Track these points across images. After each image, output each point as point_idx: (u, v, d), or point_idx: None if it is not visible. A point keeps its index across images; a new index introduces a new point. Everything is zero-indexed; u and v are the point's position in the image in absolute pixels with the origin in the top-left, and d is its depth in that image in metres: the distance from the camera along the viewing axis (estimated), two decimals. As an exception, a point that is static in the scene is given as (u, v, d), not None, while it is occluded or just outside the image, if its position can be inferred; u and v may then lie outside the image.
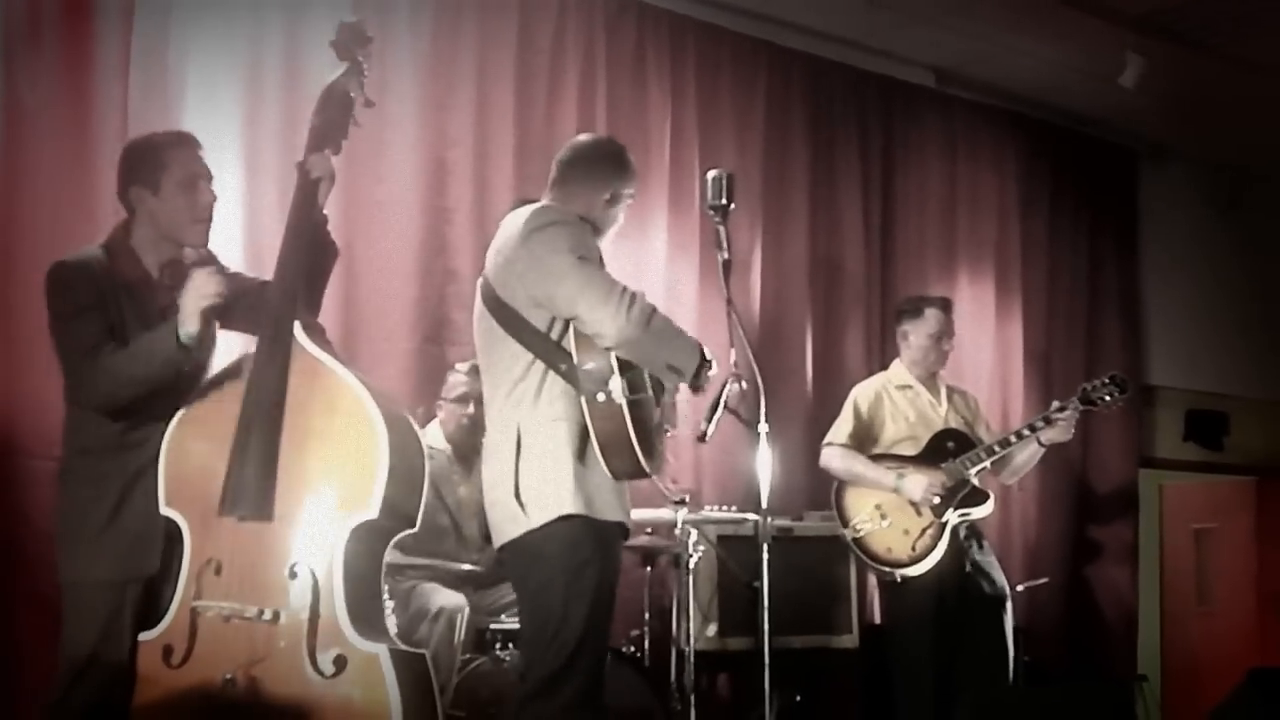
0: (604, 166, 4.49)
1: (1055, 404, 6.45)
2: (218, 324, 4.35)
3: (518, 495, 4.19)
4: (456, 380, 6.15)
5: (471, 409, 6.06)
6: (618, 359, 4.10)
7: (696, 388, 4.19)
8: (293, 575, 3.94)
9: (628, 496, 4.27)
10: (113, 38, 5.85)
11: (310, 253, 4.27)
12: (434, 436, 6.14)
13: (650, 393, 4.23)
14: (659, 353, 4.12)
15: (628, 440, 4.07)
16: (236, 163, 6.10)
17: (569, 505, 4.12)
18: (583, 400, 4.11)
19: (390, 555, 5.39)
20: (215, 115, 6.08)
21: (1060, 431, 6.36)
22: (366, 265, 6.51)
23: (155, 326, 4.08)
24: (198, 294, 4.00)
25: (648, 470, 4.14)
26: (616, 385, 4.08)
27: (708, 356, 4.18)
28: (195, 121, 5.92)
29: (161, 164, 4.22)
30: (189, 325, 3.99)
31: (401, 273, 6.60)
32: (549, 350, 4.20)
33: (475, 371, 6.00)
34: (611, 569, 4.19)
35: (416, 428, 4.22)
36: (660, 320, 4.12)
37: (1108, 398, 6.40)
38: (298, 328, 4.10)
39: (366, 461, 3.95)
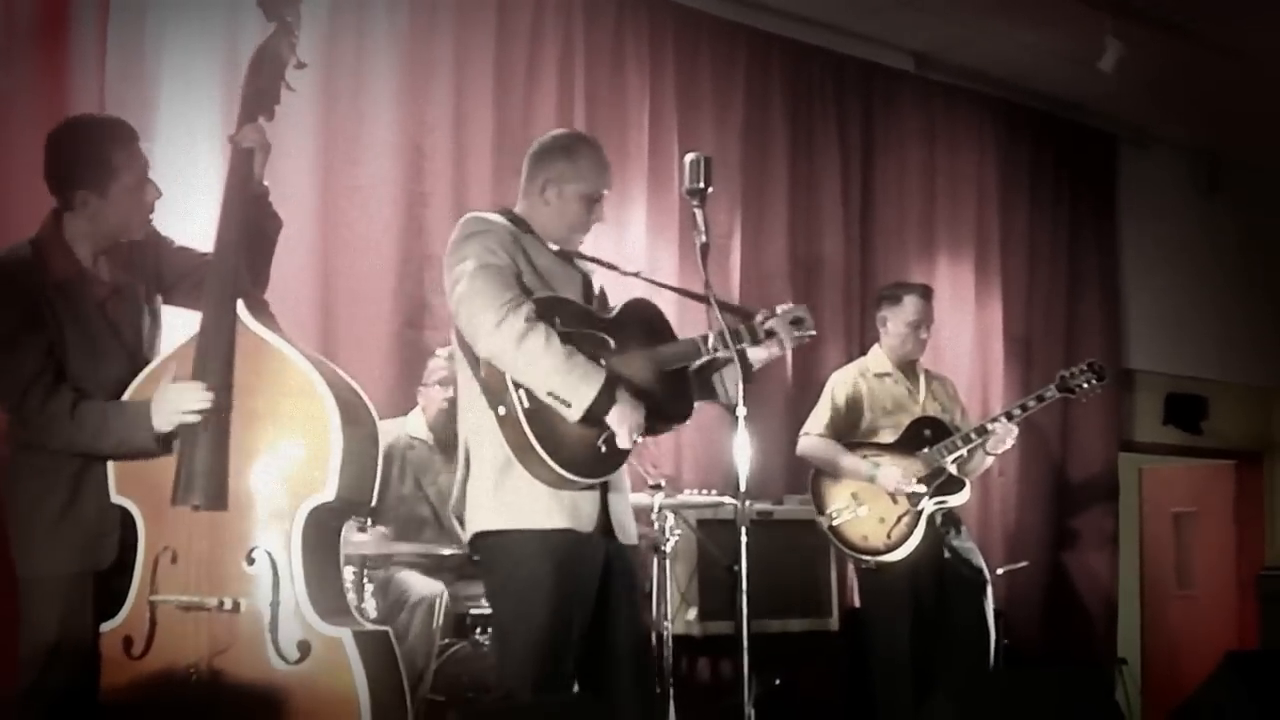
0: (550, 160, 4.46)
1: (1033, 395, 6.47)
2: (161, 300, 4.28)
3: (460, 513, 4.30)
4: (436, 365, 6.12)
5: (452, 392, 6.05)
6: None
7: (590, 421, 4.09)
8: (250, 562, 3.89)
9: (589, 499, 4.21)
10: (89, 22, 5.81)
11: (251, 226, 4.16)
12: (415, 425, 6.14)
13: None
14: (534, 375, 4.07)
15: (534, 451, 4.06)
16: (212, 144, 6.06)
17: (482, 521, 4.21)
18: (492, 414, 4.14)
19: (371, 544, 5.43)
20: (192, 100, 6.05)
21: (1000, 441, 6.36)
22: (344, 250, 6.49)
23: (90, 321, 4.01)
24: (179, 408, 3.90)
25: (572, 477, 4.10)
26: (512, 398, 4.07)
27: (615, 397, 4.10)
28: (171, 103, 5.91)
29: (109, 168, 4.08)
30: (163, 427, 3.92)
31: (379, 258, 6.58)
32: (471, 359, 4.24)
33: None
34: (547, 577, 4.13)
35: (369, 404, 4.15)
36: (539, 340, 4.04)
37: (1085, 385, 6.42)
38: (240, 305, 4.01)
39: (319, 442, 3.89)
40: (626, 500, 4.44)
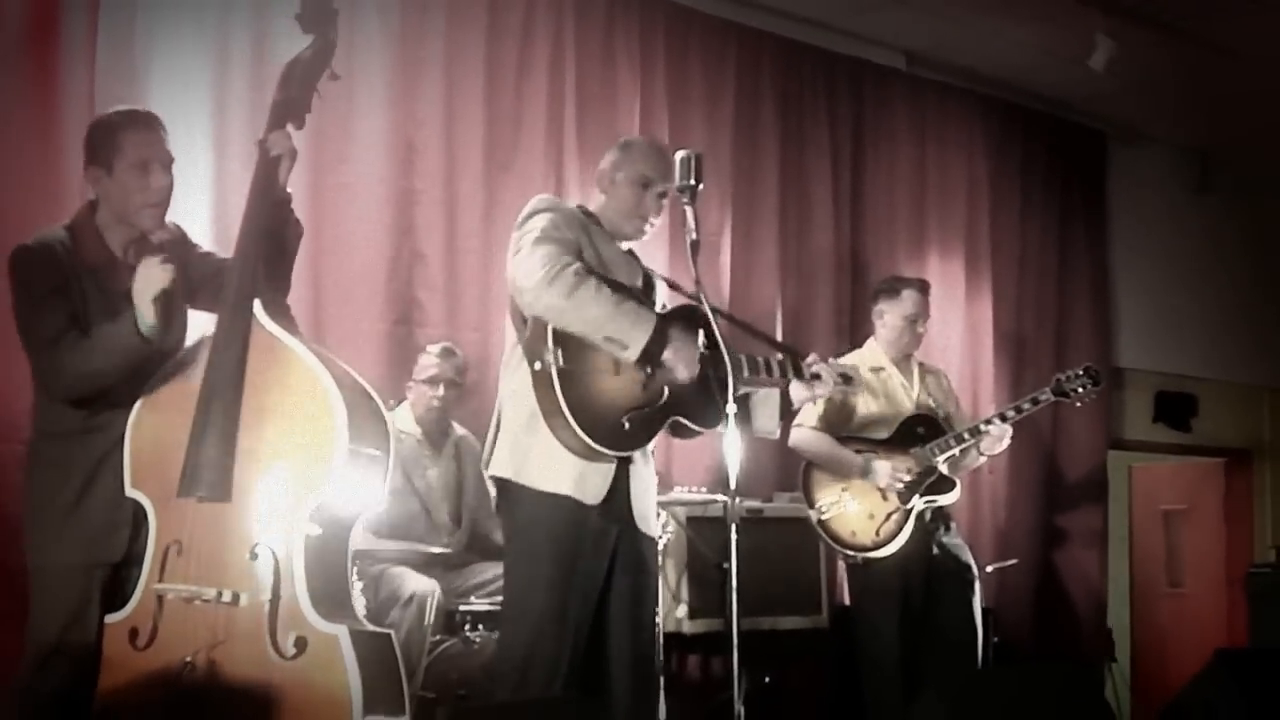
0: (610, 156, 4.69)
1: (1028, 397, 6.47)
2: (187, 306, 4.33)
3: (488, 464, 4.46)
4: (428, 362, 6.14)
5: (441, 391, 6.09)
6: (553, 330, 4.23)
7: (646, 360, 4.28)
8: (253, 556, 3.90)
9: (600, 472, 4.32)
10: (79, 21, 5.79)
11: (273, 231, 4.23)
12: (403, 419, 6.13)
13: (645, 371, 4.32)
14: (587, 323, 4.22)
15: (559, 410, 4.18)
16: (205, 143, 6.06)
17: (495, 467, 4.40)
18: (529, 370, 4.26)
19: (361, 540, 5.42)
20: (183, 95, 6.04)
21: (995, 442, 6.37)
22: (334, 247, 6.48)
23: (119, 309, 4.05)
24: (147, 284, 3.99)
25: (591, 444, 4.22)
26: (549, 354, 4.20)
27: (669, 337, 4.30)
28: (162, 101, 5.89)
29: (116, 145, 4.16)
30: (146, 316, 3.97)
31: (369, 254, 6.58)
32: (519, 324, 4.38)
33: (447, 354, 6.04)
34: (542, 538, 4.30)
35: (380, 405, 4.19)
36: (590, 290, 4.21)
37: (1080, 389, 6.41)
38: (257, 305, 4.06)
39: (325, 440, 3.92)
40: (650, 491, 4.54)
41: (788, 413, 4.76)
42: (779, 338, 7.83)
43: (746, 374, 4.53)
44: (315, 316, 6.30)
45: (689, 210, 4.40)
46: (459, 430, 6.29)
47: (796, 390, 4.69)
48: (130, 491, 4.04)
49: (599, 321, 4.21)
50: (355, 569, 5.38)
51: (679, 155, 4.45)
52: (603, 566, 4.36)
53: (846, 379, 4.80)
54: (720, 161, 7.76)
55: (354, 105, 6.58)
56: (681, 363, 4.33)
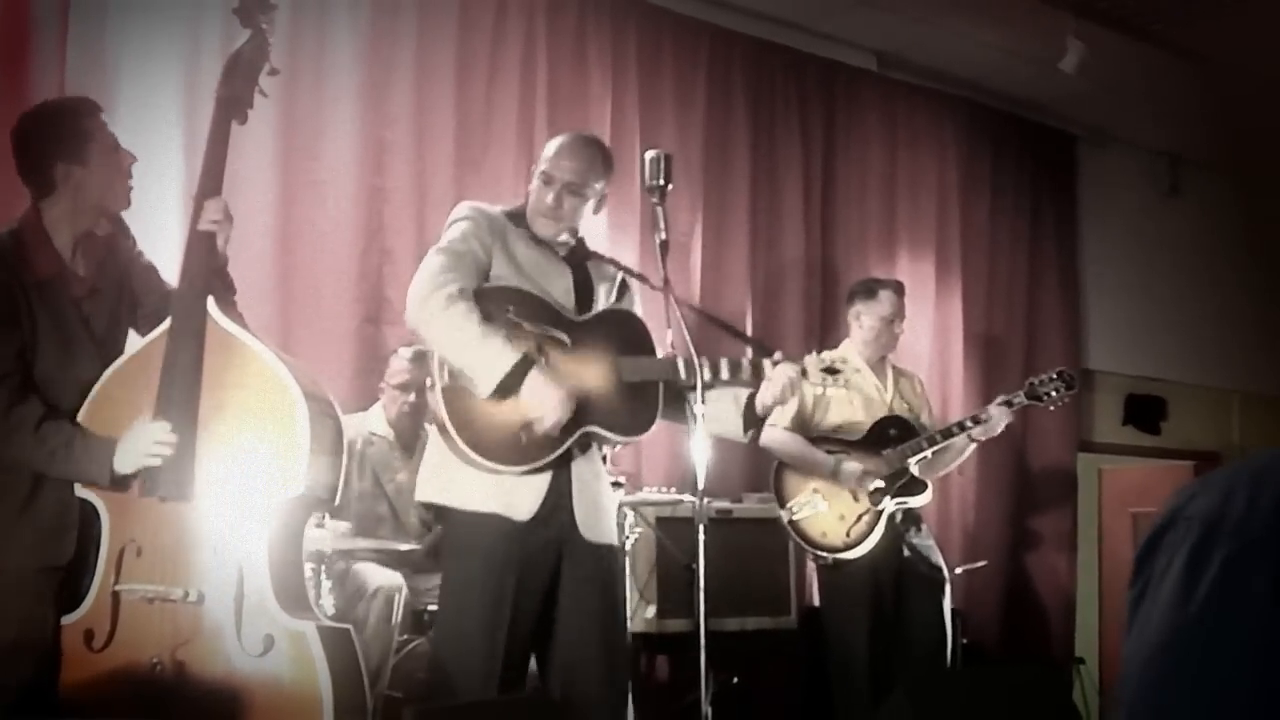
0: (547, 153, 4.60)
1: (1000, 398, 6.49)
2: (135, 330, 4.29)
3: (418, 489, 4.44)
4: (399, 366, 6.14)
5: (413, 396, 6.07)
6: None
7: (501, 398, 4.16)
8: (216, 554, 3.91)
9: (530, 486, 4.25)
10: (50, 18, 5.79)
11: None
12: (375, 421, 6.16)
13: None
14: (449, 349, 4.18)
15: (446, 428, 4.17)
16: (175, 144, 6.05)
17: (421, 492, 4.39)
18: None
19: (332, 542, 5.43)
20: (154, 95, 6.05)
21: (991, 428, 6.39)
22: (302, 245, 6.50)
23: (65, 320, 4.01)
24: (146, 450, 3.90)
25: (480, 460, 4.17)
26: (435, 371, 4.20)
27: (527, 377, 4.16)
28: (133, 103, 5.90)
29: (85, 135, 4.10)
30: (123, 469, 3.92)
31: (338, 253, 6.60)
32: None
33: (419, 357, 6.01)
34: (473, 559, 4.24)
35: (333, 401, 4.18)
36: (456, 316, 4.13)
37: (1054, 393, 6.43)
38: (211, 302, 4.04)
39: (287, 435, 3.92)
40: (599, 496, 4.45)
41: (753, 421, 4.59)
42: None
43: (684, 377, 4.36)
44: (283, 314, 6.32)
45: (659, 211, 4.39)
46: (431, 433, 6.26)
47: (763, 392, 4.50)
48: (81, 491, 4.00)
49: (456, 351, 4.16)
50: (324, 568, 5.41)
51: (649, 155, 4.45)
52: (541, 582, 4.28)
53: (831, 371, 4.71)
54: (691, 162, 7.80)
55: (324, 102, 6.60)
56: (543, 410, 4.16)
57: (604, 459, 4.55)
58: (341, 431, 4.16)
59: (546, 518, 4.27)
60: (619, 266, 4.70)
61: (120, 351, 4.20)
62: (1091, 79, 8.51)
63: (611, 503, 4.59)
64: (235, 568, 3.89)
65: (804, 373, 4.57)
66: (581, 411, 4.27)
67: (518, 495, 4.23)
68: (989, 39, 8.69)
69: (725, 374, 4.47)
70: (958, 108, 9.46)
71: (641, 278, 4.72)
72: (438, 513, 4.40)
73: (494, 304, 4.24)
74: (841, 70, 8.85)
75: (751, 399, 4.54)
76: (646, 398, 4.40)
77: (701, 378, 4.29)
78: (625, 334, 4.47)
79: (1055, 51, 8.28)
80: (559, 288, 4.44)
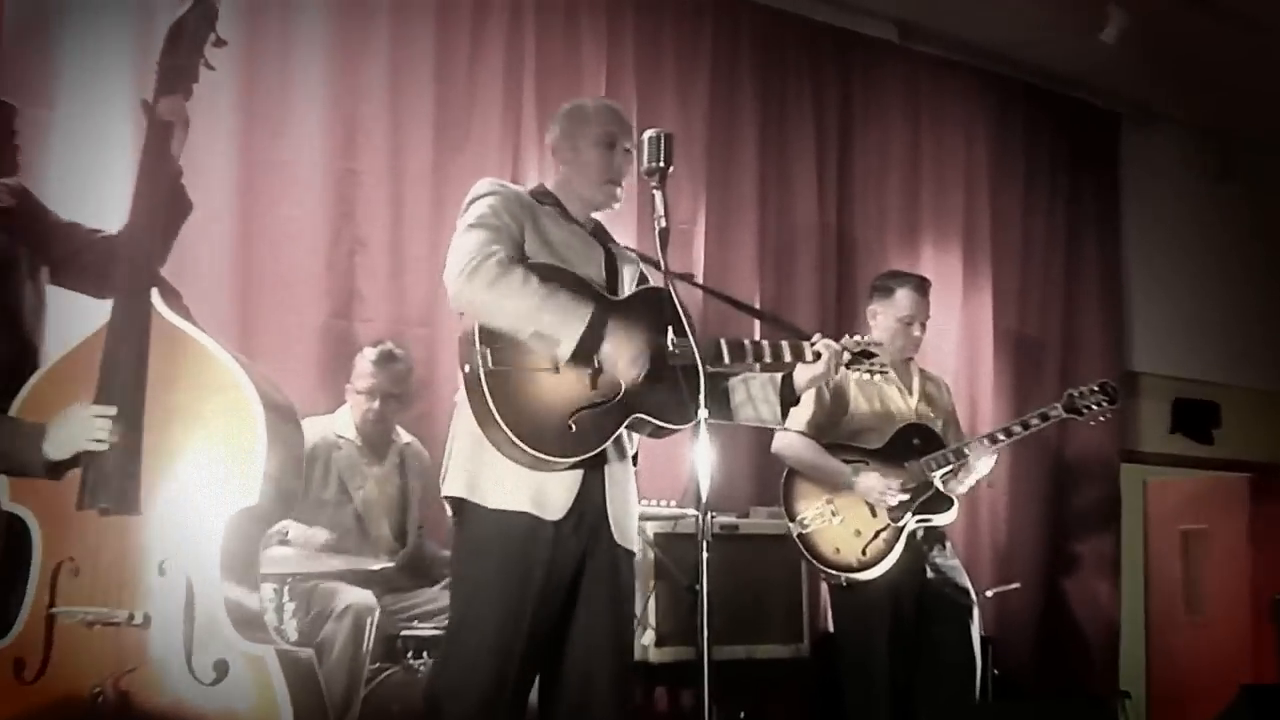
0: (558, 126, 4.68)
1: (1036, 412, 6.48)
2: (49, 275, 4.29)
3: (442, 483, 4.38)
4: (364, 369, 6.14)
5: (378, 404, 6.10)
6: (480, 328, 4.20)
7: (581, 358, 4.21)
8: (163, 573, 3.88)
9: (562, 482, 4.28)
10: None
11: (164, 208, 4.20)
12: (342, 424, 6.17)
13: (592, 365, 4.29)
14: (514, 318, 4.19)
15: (491, 417, 4.14)
16: (123, 119, 6.06)
17: (448, 486, 4.34)
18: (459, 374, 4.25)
19: (294, 562, 5.43)
20: (100, 68, 6.09)
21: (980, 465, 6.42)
22: (265, 232, 6.51)
23: None
24: (84, 434, 3.89)
25: (530, 451, 4.17)
26: (476, 355, 4.17)
27: (608, 330, 4.22)
28: (78, 75, 5.94)
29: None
30: (57, 454, 3.92)
31: (305, 241, 6.61)
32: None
33: (385, 360, 6.03)
34: (493, 561, 4.25)
35: (292, 403, 4.19)
36: (515, 281, 4.18)
37: (1094, 407, 6.40)
38: (155, 295, 4.04)
39: (243, 441, 3.92)
40: (629, 498, 4.51)
41: (793, 400, 4.69)
42: (756, 336, 7.88)
43: (728, 360, 4.49)
44: (243, 309, 6.35)
45: (658, 195, 4.39)
46: (404, 438, 6.31)
47: (800, 373, 4.62)
48: (8, 505, 3.99)
49: (524, 316, 4.17)
50: (286, 589, 5.42)
51: (647, 134, 4.45)
52: (561, 590, 4.30)
53: (867, 355, 4.75)
54: (694, 143, 7.82)
55: (290, 76, 6.62)
56: (623, 358, 4.25)
57: (634, 458, 4.60)
58: (302, 438, 4.19)
59: (578, 517, 4.31)
60: (640, 255, 4.76)
61: (38, 326, 4.22)
62: (1136, 51, 8.51)
63: (636, 506, 4.61)
64: (185, 587, 3.87)
65: (867, 354, 4.74)
66: (631, 396, 4.34)
67: (550, 492, 4.26)
68: (1022, 6, 8.69)
69: (768, 357, 4.58)
70: (988, 83, 9.47)
71: (657, 265, 4.74)
72: (459, 510, 4.36)
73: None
74: (859, 41, 8.87)
75: (788, 379, 4.63)
76: (690, 384, 4.42)
77: (748, 359, 4.45)
78: (665, 314, 4.48)
79: (1095, 20, 8.29)
80: (592, 267, 4.53)
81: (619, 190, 4.64)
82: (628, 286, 4.63)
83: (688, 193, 7.75)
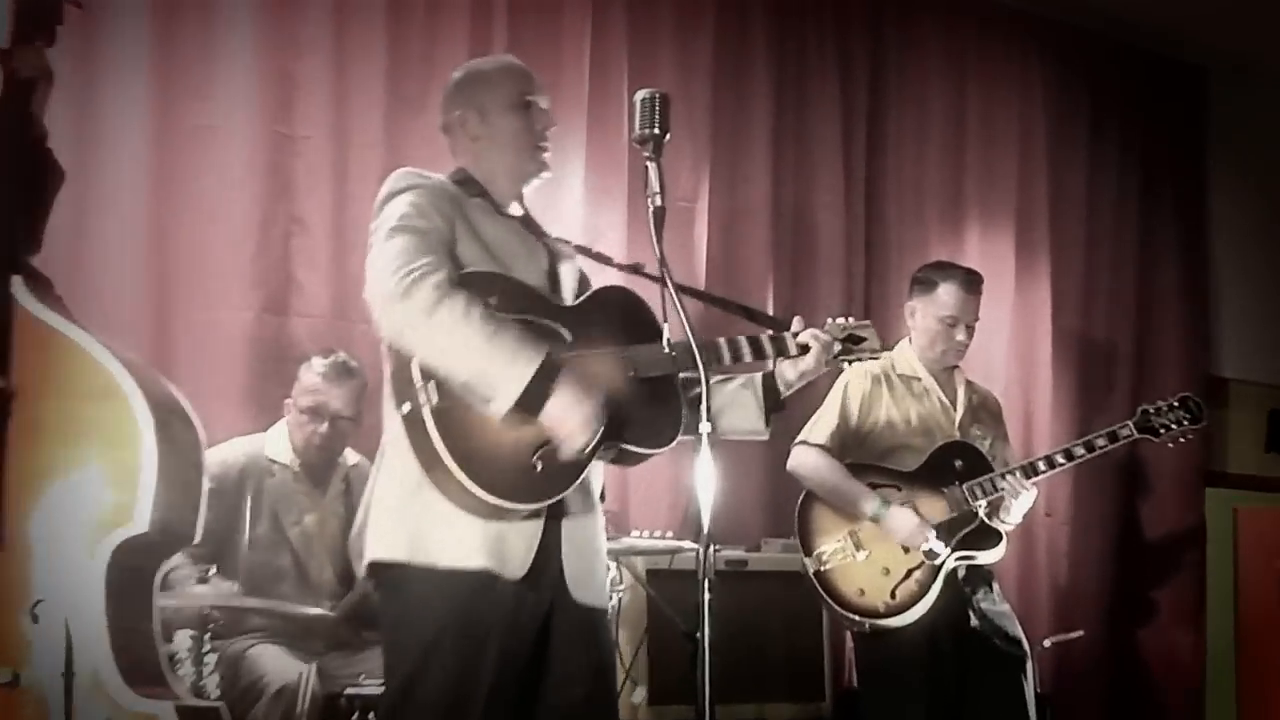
0: (459, 94, 4.60)
1: (1103, 431, 6.45)
2: None
3: (360, 541, 4.29)
4: (310, 383, 6.09)
5: (325, 428, 6.06)
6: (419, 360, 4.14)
7: (521, 419, 4.08)
8: (35, 620, 3.87)
9: (523, 533, 4.20)
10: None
11: (27, 177, 4.21)
12: (276, 446, 6.13)
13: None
14: (446, 358, 4.09)
15: (439, 461, 4.06)
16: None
17: (378, 548, 4.21)
18: (397, 413, 4.16)
19: (213, 599, 5.43)
20: None
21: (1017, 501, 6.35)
22: (186, 208, 6.51)
23: None
24: None
25: (490, 500, 4.08)
26: (419, 390, 4.10)
27: (554, 387, 4.08)
28: None
29: None
30: None
31: (232, 220, 6.60)
32: (388, 351, 4.29)
33: (338, 373, 5.98)
34: (449, 631, 4.15)
35: (189, 410, 4.18)
36: (454, 312, 4.05)
37: (1174, 426, 6.41)
38: (18, 284, 4.04)
39: (127, 457, 3.91)
40: (593, 544, 4.44)
41: (779, 404, 4.64)
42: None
43: (727, 359, 4.44)
44: (156, 300, 6.36)
45: (652, 167, 4.37)
46: (351, 459, 6.26)
47: (786, 372, 4.56)
48: None
49: (459, 359, 4.07)
50: (207, 639, 5.40)
51: (639, 96, 4.43)
52: (522, 658, 4.24)
53: (855, 339, 4.68)
54: (695, 107, 7.84)
55: (215, 27, 6.61)
56: (570, 419, 4.11)
57: (601, 495, 4.52)
58: (201, 448, 4.17)
59: (534, 574, 4.23)
60: (579, 249, 4.72)
61: None
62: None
63: (604, 553, 4.55)
64: (61, 636, 3.85)
65: (855, 339, 4.68)
66: (609, 420, 4.24)
67: (510, 545, 4.18)
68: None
69: (747, 355, 4.52)
70: (1047, 33, 9.50)
71: (602, 258, 4.73)
72: (389, 578, 4.24)
73: (472, 294, 4.17)
74: (892, -10, 8.91)
75: (770, 379, 4.58)
76: (667, 398, 4.41)
77: (720, 361, 4.39)
78: (629, 319, 4.45)
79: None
80: (535, 270, 4.46)
81: (547, 155, 4.55)
82: (567, 286, 4.55)
83: (688, 167, 7.80)
